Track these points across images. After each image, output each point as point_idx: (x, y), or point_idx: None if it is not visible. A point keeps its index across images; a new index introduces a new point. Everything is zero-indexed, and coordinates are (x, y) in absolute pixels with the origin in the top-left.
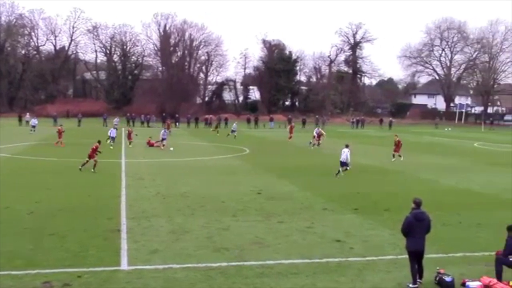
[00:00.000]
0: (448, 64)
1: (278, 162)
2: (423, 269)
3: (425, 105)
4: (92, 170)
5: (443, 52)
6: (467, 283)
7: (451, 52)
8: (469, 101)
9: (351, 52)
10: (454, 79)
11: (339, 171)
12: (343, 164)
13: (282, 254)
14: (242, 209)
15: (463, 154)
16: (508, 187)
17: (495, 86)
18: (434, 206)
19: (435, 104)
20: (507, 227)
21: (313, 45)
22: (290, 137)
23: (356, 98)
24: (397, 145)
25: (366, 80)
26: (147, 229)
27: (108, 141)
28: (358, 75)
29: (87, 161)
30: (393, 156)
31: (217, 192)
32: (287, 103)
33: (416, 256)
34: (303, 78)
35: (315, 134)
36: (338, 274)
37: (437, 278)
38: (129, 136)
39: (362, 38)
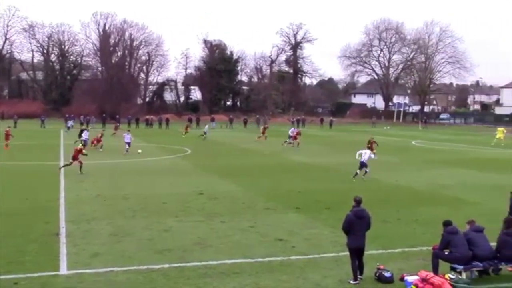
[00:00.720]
0: (387, 64)
1: (220, 162)
2: (364, 266)
3: (365, 104)
4: (79, 172)
5: (382, 52)
6: (406, 278)
7: (389, 52)
8: (406, 100)
9: (292, 52)
10: (392, 78)
11: (356, 173)
12: (363, 165)
13: (225, 254)
14: (184, 209)
15: (401, 152)
16: (444, 183)
17: (431, 85)
18: (374, 203)
19: (374, 103)
20: (443, 222)
21: (254, 45)
22: (260, 138)
23: (297, 98)
24: (371, 145)
25: (307, 80)
26: (87, 232)
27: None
28: (299, 75)
29: (71, 163)
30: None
31: (159, 193)
32: (228, 103)
33: (356, 253)
34: (244, 78)
35: (290, 133)
36: (281, 273)
37: (377, 274)
38: (94, 140)
39: (303, 38)
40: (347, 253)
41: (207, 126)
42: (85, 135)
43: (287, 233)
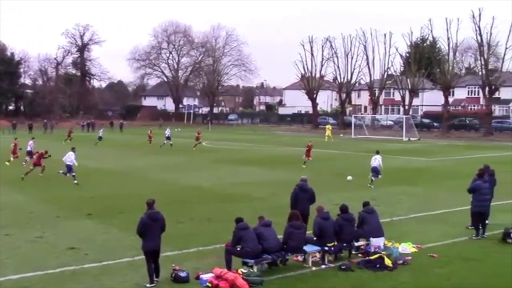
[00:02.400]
0: (176, 66)
1: (2, 171)
2: (160, 268)
3: (155, 106)
4: (40, 174)
5: (171, 55)
6: (201, 276)
7: (178, 55)
8: (196, 102)
9: (79, 54)
10: (181, 81)
11: (372, 180)
12: (376, 171)
13: (11, 269)
14: None
15: (192, 152)
16: (234, 181)
17: (219, 87)
18: (167, 204)
19: (164, 105)
20: (235, 219)
21: (38, 46)
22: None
23: (85, 101)
24: (309, 150)
25: (96, 83)
26: None
27: None
28: (87, 78)
29: (32, 170)
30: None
31: None
32: (10, 107)
33: (152, 256)
34: (28, 81)
35: (167, 134)
36: (74, 283)
37: (173, 275)
38: (14, 150)
39: (90, 40)
40: (143, 256)
41: (101, 130)
42: None
43: (80, 241)
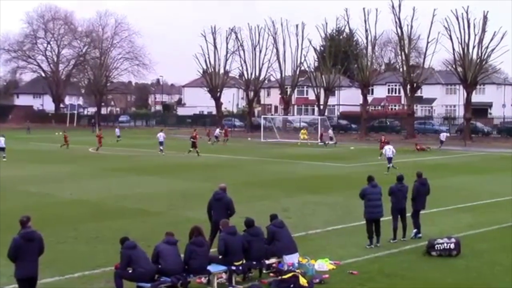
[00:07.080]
0: (56, 59)
1: None
2: None
3: (31, 106)
4: None
5: (49, 45)
6: None
7: (58, 46)
8: (81, 101)
9: None
10: (63, 76)
11: (389, 168)
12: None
13: None
14: None
15: (76, 161)
16: (125, 193)
17: (108, 84)
18: (46, 222)
19: (42, 105)
20: (120, 240)
21: None
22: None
23: None
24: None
25: None
26: None
27: None
28: None
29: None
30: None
31: None
32: None
33: (28, 284)
34: None
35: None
36: None
37: None
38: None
39: None
40: (16, 285)
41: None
42: None
43: None
